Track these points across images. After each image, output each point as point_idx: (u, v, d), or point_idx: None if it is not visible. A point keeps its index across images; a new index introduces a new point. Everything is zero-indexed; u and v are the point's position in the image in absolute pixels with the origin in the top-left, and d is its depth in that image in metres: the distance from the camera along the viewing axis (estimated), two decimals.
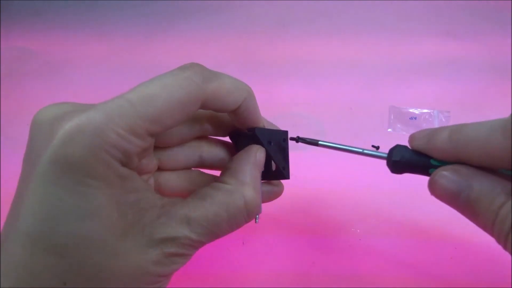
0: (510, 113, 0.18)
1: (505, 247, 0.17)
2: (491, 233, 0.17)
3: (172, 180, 0.24)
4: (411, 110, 0.45)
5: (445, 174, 0.18)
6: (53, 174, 0.16)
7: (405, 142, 0.43)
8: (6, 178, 0.40)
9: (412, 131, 0.43)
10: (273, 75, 0.52)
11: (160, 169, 0.24)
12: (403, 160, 0.21)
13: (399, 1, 0.67)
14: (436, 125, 0.43)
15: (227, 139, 0.26)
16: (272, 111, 0.47)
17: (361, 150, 0.23)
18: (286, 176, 0.26)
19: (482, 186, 0.17)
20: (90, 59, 0.57)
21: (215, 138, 0.26)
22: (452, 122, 0.44)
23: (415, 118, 0.44)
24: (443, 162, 0.19)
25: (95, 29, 0.64)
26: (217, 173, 0.26)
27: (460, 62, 0.53)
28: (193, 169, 0.26)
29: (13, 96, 0.51)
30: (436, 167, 0.19)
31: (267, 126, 0.26)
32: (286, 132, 0.26)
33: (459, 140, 0.18)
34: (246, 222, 0.21)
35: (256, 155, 0.23)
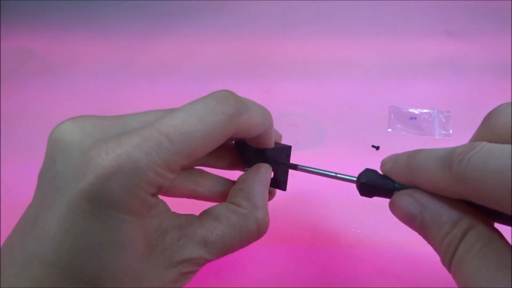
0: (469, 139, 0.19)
1: (450, 273, 0.17)
2: (440, 259, 0.18)
3: (173, 182, 0.25)
4: (411, 110, 0.45)
5: (401, 199, 0.19)
6: (87, 209, 0.16)
7: (405, 142, 0.43)
8: (6, 178, 0.40)
9: (412, 131, 0.43)
10: (273, 75, 0.52)
11: None
12: (369, 183, 0.21)
13: (399, 1, 0.67)
14: (436, 124, 0.43)
15: (218, 171, 0.26)
16: (272, 111, 0.47)
17: (334, 174, 0.24)
18: (283, 189, 0.27)
19: (431, 214, 0.18)
20: (90, 59, 0.57)
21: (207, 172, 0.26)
22: (452, 122, 0.44)
23: (415, 118, 0.44)
24: (406, 186, 0.20)
25: (95, 29, 0.64)
26: (214, 171, 0.26)
27: (460, 62, 0.53)
28: (196, 168, 0.26)
29: (13, 96, 0.51)
30: (400, 190, 0.20)
31: (275, 135, 0.26)
32: (289, 148, 0.27)
33: (413, 166, 0.19)
34: (255, 241, 0.22)
35: (266, 176, 0.24)
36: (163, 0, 0.71)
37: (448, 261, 0.17)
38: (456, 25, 0.60)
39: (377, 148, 0.41)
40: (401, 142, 0.42)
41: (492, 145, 0.15)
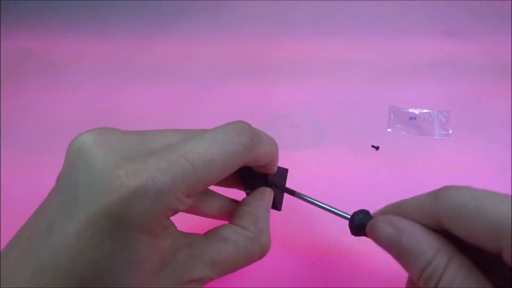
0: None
1: None
2: (417, 283, 0.18)
3: None
4: (411, 110, 0.45)
5: (380, 224, 0.20)
6: (107, 226, 0.16)
7: (404, 142, 0.43)
8: (6, 178, 0.40)
9: (412, 131, 0.43)
10: (273, 75, 0.52)
11: None
12: (361, 225, 0.22)
13: (399, 1, 0.67)
14: (436, 125, 0.43)
15: (216, 188, 0.27)
16: (272, 111, 0.47)
17: (329, 208, 0.25)
18: (279, 209, 0.28)
19: (410, 241, 0.18)
20: (90, 59, 0.57)
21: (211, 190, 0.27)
22: (452, 122, 0.44)
23: (415, 118, 0.44)
24: None
25: (95, 29, 0.64)
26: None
27: (460, 62, 0.53)
28: None
29: (13, 96, 0.51)
30: None
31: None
32: (287, 171, 0.28)
33: (402, 204, 0.21)
34: (257, 261, 0.23)
35: (269, 199, 0.25)
36: (163, 0, 0.71)
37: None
38: (456, 25, 0.61)
39: (377, 148, 0.41)
40: (401, 142, 0.42)
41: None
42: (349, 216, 0.23)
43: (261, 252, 0.23)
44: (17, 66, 0.57)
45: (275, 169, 0.26)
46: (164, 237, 0.18)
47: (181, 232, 0.21)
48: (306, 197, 0.26)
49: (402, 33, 0.59)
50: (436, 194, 0.18)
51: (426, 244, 0.18)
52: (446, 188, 0.18)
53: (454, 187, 0.18)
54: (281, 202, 0.28)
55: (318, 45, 0.57)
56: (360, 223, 0.22)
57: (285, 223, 0.34)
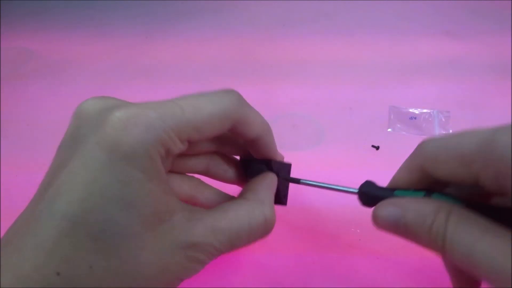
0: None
1: (444, 258, 0.19)
2: (432, 249, 0.19)
3: (174, 183, 0.25)
4: (411, 110, 0.45)
5: (383, 208, 0.21)
6: (101, 159, 0.17)
7: (404, 142, 0.43)
8: (6, 178, 0.40)
9: (412, 131, 0.43)
10: (273, 75, 0.52)
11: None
12: (370, 193, 0.23)
13: (399, 1, 0.67)
14: (436, 125, 0.43)
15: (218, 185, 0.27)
16: (272, 111, 0.47)
17: (336, 187, 0.26)
18: (284, 203, 0.28)
19: (413, 213, 0.19)
20: (90, 59, 0.57)
21: (222, 154, 0.28)
22: (452, 122, 0.44)
23: (415, 118, 0.44)
24: (405, 193, 0.22)
25: (95, 29, 0.64)
26: (217, 184, 0.27)
27: (460, 62, 0.53)
28: (196, 177, 0.27)
29: (13, 96, 0.51)
30: None
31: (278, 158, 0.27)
32: (290, 165, 0.28)
33: (394, 177, 0.23)
34: (262, 238, 0.23)
35: (272, 182, 0.25)
36: (163, 0, 0.71)
37: (441, 244, 0.18)
38: (456, 25, 0.61)
39: (377, 148, 0.41)
40: (401, 142, 0.42)
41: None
42: (356, 190, 0.24)
43: (265, 224, 0.22)
44: (17, 66, 0.57)
45: (274, 150, 0.26)
46: (158, 183, 0.18)
47: (179, 200, 0.21)
48: (312, 182, 0.26)
49: (402, 33, 0.59)
50: (418, 147, 0.21)
51: (427, 208, 0.19)
52: (424, 140, 0.21)
53: (431, 137, 0.20)
54: (286, 196, 0.28)
55: (318, 45, 0.57)
56: (366, 190, 0.23)
57: (285, 222, 0.34)
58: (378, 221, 0.21)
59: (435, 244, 0.19)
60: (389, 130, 0.43)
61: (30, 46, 0.61)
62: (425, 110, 0.45)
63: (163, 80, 0.52)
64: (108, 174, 0.17)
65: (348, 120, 0.45)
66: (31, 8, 0.71)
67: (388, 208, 0.20)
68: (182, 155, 0.24)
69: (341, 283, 0.30)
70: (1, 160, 0.42)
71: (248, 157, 0.26)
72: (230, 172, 0.27)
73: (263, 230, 0.22)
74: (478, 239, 0.17)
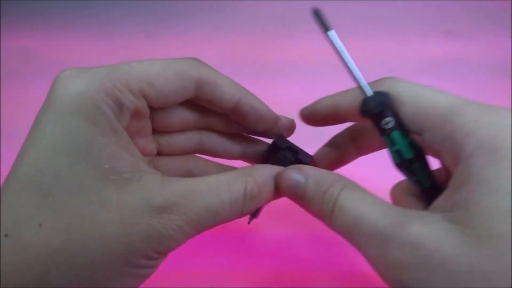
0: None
1: (330, 226, 0.20)
2: (322, 216, 0.20)
3: (170, 165, 0.25)
4: None
5: (288, 172, 0.21)
6: (49, 115, 0.18)
7: None
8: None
9: None
10: (273, 75, 0.52)
11: (159, 154, 0.25)
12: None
13: (400, 1, 0.67)
14: None
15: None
16: None
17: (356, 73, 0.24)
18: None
19: (315, 179, 0.20)
20: (90, 58, 0.57)
21: (217, 130, 0.26)
22: None
23: None
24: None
25: (96, 28, 0.64)
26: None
27: (460, 62, 0.53)
28: (195, 155, 0.26)
29: (13, 96, 0.51)
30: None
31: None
32: (311, 157, 0.27)
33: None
34: (245, 213, 0.21)
35: (277, 168, 0.22)
36: (163, 0, 0.71)
37: (330, 210, 0.19)
38: (456, 25, 0.60)
39: None
40: None
41: None
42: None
43: (244, 195, 0.20)
44: (17, 66, 0.57)
45: (262, 111, 0.25)
46: (116, 139, 0.19)
47: (153, 169, 0.20)
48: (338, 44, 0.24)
49: (402, 33, 0.59)
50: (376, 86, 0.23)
51: (326, 179, 0.20)
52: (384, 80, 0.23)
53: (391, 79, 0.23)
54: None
55: (318, 45, 0.57)
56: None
57: (284, 224, 0.34)
58: (282, 181, 0.21)
59: (325, 210, 0.19)
60: None
61: (30, 46, 0.61)
62: None
63: None
64: (55, 126, 0.18)
65: None
66: (31, 8, 0.71)
67: (295, 172, 0.21)
68: (169, 133, 0.24)
69: (341, 282, 0.30)
70: (1, 160, 0.42)
71: (281, 141, 0.26)
72: (226, 143, 0.26)
73: (245, 201, 0.20)
74: (365, 210, 0.18)
